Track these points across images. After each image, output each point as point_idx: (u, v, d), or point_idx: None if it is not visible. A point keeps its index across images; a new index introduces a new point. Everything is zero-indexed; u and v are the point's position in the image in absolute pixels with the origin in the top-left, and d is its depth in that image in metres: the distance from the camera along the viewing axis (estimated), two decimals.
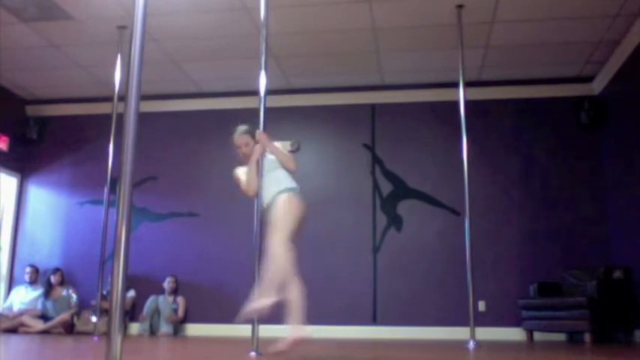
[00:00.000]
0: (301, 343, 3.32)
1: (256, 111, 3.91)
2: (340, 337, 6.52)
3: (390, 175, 7.14)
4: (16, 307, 7.03)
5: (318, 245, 6.85)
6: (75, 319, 6.88)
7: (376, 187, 7.13)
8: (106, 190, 6.08)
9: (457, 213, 6.75)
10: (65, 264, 7.34)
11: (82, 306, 6.96)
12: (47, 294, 7.00)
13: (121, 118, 2.20)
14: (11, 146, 7.51)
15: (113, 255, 1.63)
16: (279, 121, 6.74)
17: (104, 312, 6.01)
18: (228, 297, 6.71)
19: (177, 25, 5.88)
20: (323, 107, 7.41)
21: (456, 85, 5.58)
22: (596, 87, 6.90)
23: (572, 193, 6.78)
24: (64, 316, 6.81)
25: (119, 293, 1.60)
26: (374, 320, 6.78)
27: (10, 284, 7.46)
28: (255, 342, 3.51)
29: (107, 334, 1.58)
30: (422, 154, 7.13)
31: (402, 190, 7.07)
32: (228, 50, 6.45)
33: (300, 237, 3.62)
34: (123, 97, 1.89)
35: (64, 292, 7.00)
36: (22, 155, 7.71)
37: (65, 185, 7.68)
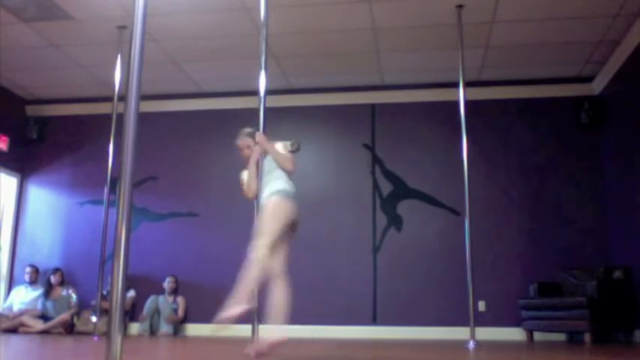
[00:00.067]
0: (279, 345, 3.31)
1: (256, 111, 3.91)
2: (340, 337, 6.52)
3: (390, 175, 7.14)
4: (16, 307, 7.03)
5: (318, 245, 6.86)
6: (75, 319, 6.88)
7: (376, 187, 7.13)
8: (106, 190, 6.08)
9: (457, 213, 6.75)
10: (65, 264, 7.34)
11: (82, 306, 6.96)
12: (47, 294, 7.00)
13: (121, 118, 2.20)
14: (11, 146, 7.51)
15: (113, 255, 1.63)
16: (279, 121, 6.73)
17: (104, 312, 6.01)
18: (228, 297, 6.69)
19: (177, 25, 5.88)
20: (323, 107, 7.41)
21: (456, 85, 5.58)
22: (596, 87, 6.90)
23: (572, 193, 6.78)
24: (64, 316, 6.81)
25: (119, 293, 1.60)
26: (374, 320, 6.78)
27: (10, 284, 7.46)
28: (255, 342, 3.50)
29: (107, 334, 1.58)
30: (422, 154, 7.13)
31: (402, 190, 7.07)
32: (228, 50, 6.45)
33: (293, 238, 3.59)
34: (123, 97, 1.89)
35: (64, 292, 7.00)
36: (22, 155, 7.71)
37: (65, 185, 7.68)
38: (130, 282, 6.58)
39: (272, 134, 3.89)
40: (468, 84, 5.70)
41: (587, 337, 5.46)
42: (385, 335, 6.58)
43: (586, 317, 5.45)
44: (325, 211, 6.98)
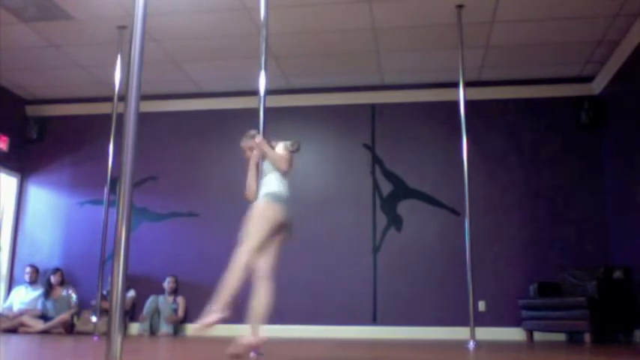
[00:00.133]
0: (256, 347, 3.33)
1: (256, 111, 3.91)
2: (340, 337, 6.52)
3: (390, 175, 7.14)
4: (16, 307, 7.03)
5: (318, 245, 6.86)
6: (75, 319, 6.88)
7: (376, 187, 7.13)
8: (106, 190, 6.08)
9: (457, 213, 6.75)
10: (65, 264, 7.34)
11: (82, 306, 6.96)
12: (47, 294, 7.00)
13: (121, 118, 2.20)
14: (11, 146, 7.51)
15: (113, 255, 1.63)
16: (279, 121, 6.73)
17: (104, 312, 6.01)
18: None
19: (177, 25, 5.88)
20: (323, 107, 7.41)
21: (456, 85, 5.58)
22: (596, 87, 6.90)
23: (572, 193, 6.78)
24: (64, 316, 6.81)
25: (119, 293, 1.60)
26: (374, 320, 6.78)
27: (10, 284, 7.46)
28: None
29: (107, 334, 1.58)
30: (422, 154, 7.13)
31: (402, 190, 7.07)
32: (228, 50, 6.45)
33: (287, 239, 3.58)
34: (123, 97, 1.89)
35: (64, 292, 7.00)
36: (22, 155, 7.71)
37: (65, 185, 7.68)
38: (130, 282, 6.57)
39: (272, 134, 3.89)
40: (468, 84, 5.70)
41: (587, 337, 5.46)
42: (385, 335, 6.57)
43: (586, 317, 5.45)
44: (325, 211, 6.98)
